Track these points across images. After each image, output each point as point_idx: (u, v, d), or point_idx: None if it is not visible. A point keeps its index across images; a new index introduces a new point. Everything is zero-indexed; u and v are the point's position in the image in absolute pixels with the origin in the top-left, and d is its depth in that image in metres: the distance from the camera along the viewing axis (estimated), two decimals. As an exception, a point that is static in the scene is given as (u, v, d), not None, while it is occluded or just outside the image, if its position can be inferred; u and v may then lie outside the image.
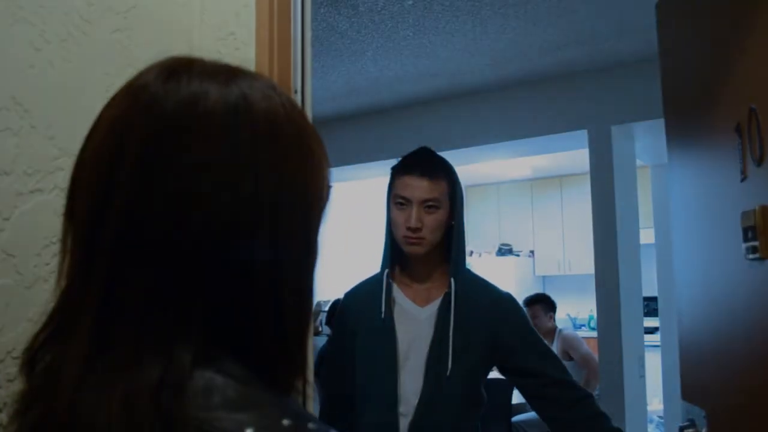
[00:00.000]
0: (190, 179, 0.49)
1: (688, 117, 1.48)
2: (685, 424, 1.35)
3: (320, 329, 4.91)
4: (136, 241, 0.49)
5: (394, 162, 1.62)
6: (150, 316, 0.48)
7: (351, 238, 5.89)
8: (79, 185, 0.53)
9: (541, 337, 1.64)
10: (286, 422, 0.45)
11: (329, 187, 0.59)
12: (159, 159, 0.49)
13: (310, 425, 0.46)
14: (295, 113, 0.57)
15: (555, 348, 4.27)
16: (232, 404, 0.45)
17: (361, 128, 4.39)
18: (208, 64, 0.55)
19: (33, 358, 0.52)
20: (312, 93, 1.21)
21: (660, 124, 3.24)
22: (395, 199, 1.54)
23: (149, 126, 0.51)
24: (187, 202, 0.49)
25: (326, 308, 4.55)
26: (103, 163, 0.51)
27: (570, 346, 4.22)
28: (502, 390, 4.06)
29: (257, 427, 0.44)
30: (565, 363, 4.18)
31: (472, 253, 6.95)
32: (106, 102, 0.55)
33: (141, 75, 0.54)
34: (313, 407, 1.22)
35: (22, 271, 0.92)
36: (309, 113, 1.19)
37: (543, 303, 4.39)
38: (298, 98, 1.18)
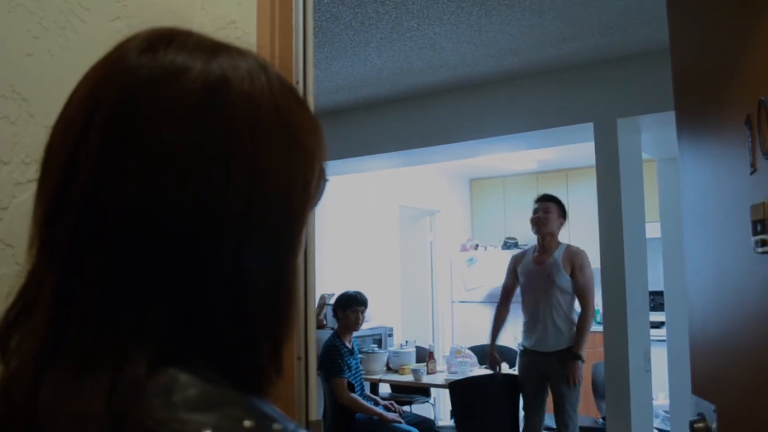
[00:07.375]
0: (155, 163, 0.45)
1: (699, 109, 1.46)
2: (696, 418, 1.34)
3: (325, 323, 4.89)
4: (96, 227, 0.46)
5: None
6: (106, 310, 0.45)
7: (355, 231, 5.88)
8: (47, 162, 0.50)
9: None
10: (248, 423, 0.42)
11: (322, 180, 0.54)
12: (124, 138, 0.46)
13: (275, 426, 0.43)
14: (286, 98, 0.52)
15: (559, 257, 3.85)
16: (192, 404, 0.42)
17: (365, 120, 4.36)
18: (192, 38, 0.51)
19: (3, 338, 0.50)
20: (314, 84, 1.20)
21: (666, 117, 3.23)
22: None
23: (118, 101, 0.47)
24: (150, 188, 0.45)
25: (331, 301, 4.54)
26: (71, 137, 0.48)
27: (579, 262, 3.83)
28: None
29: (216, 428, 0.41)
30: (568, 278, 3.82)
31: (477, 246, 6.94)
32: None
33: (121, 44, 0.51)
34: (317, 400, 1.21)
35: (20, 262, 0.91)
36: (311, 104, 1.18)
37: (559, 204, 3.99)
38: (299, 89, 1.17)
